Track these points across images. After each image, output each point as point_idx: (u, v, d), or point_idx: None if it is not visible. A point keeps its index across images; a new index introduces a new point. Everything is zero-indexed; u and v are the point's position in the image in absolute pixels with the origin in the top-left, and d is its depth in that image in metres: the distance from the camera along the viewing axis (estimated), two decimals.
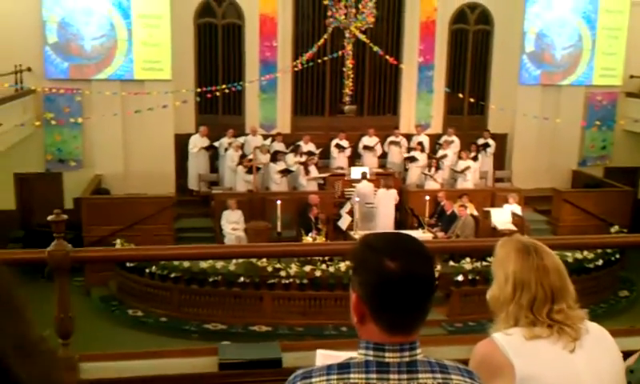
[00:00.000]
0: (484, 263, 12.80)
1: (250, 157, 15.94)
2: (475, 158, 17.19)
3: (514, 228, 14.69)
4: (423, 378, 1.70)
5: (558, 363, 2.21)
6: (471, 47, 18.80)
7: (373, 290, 1.69)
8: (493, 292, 2.34)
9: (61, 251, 3.08)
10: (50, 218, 3.21)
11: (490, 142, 17.92)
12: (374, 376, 1.68)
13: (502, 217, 15.04)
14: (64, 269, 3.10)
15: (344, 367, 1.72)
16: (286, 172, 16.13)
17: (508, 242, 2.39)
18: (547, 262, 2.27)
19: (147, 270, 12.76)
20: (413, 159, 17.15)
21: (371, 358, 1.70)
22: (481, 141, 17.88)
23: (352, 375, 1.69)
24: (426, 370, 1.71)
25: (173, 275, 12.54)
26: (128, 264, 12.66)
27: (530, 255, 2.27)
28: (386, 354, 1.69)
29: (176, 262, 12.27)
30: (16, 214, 16.12)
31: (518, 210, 15.39)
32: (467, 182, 16.71)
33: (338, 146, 17.37)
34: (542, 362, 2.21)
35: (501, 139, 18.50)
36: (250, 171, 15.78)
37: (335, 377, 1.70)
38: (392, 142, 17.70)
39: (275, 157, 16.28)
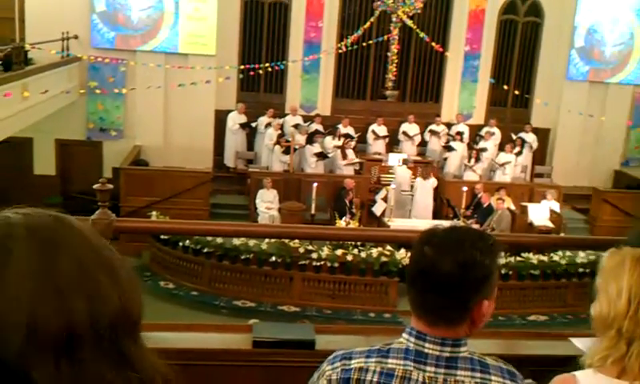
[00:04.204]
0: (518, 258, 12.67)
1: (289, 138, 15.94)
2: (520, 153, 16.96)
3: (551, 225, 14.48)
4: (461, 375, 1.70)
5: None
6: (519, 39, 18.47)
7: (409, 277, 1.74)
8: (600, 308, 1.98)
9: (105, 220, 3.08)
10: (95, 186, 3.22)
11: (531, 136, 17.64)
12: (412, 365, 1.70)
13: (539, 213, 14.81)
14: (107, 238, 3.09)
15: (383, 352, 1.75)
16: (321, 156, 16.08)
17: (619, 254, 2.04)
18: None
19: (181, 244, 12.86)
20: (450, 149, 16.97)
21: (412, 346, 1.72)
22: (523, 135, 17.60)
23: (390, 360, 1.73)
24: (466, 367, 1.71)
25: (205, 250, 12.61)
26: (162, 236, 12.77)
27: None
28: (426, 345, 1.70)
29: (209, 237, 12.33)
30: (56, 179, 16.38)
31: (556, 206, 15.13)
32: (505, 176, 16.50)
33: (373, 132, 17.27)
34: None
35: (543, 134, 18.22)
36: (286, 151, 15.77)
37: (374, 360, 1.74)
38: (431, 131, 17.52)
39: (311, 139, 16.23)
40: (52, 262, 0.82)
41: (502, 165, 16.51)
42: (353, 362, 1.76)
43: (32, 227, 0.85)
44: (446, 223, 1.93)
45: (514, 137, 17.33)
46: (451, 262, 1.66)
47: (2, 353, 0.78)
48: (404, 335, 1.75)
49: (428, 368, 1.69)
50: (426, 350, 1.70)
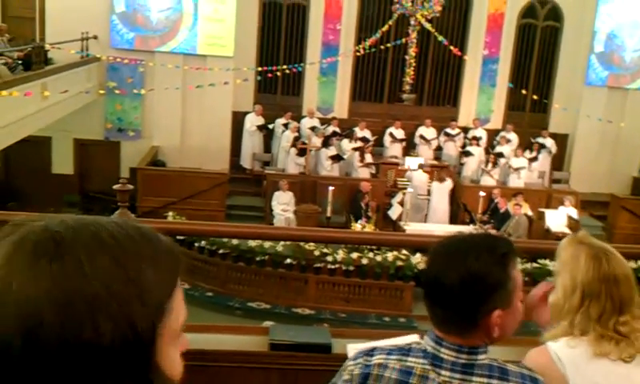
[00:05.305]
0: (534, 265, 12.54)
1: (305, 140, 15.94)
2: (535, 159, 16.83)
3: (568, 231, 14.35)
4: (477, 381, 1.71)
5: None
6: (538, 43, 18.37)
7: (423, 285, 1.78)
8: (556, 298, 2.12)
9: None
10: (116, 186, 3.23)
11: (549, 141, 17.53)
12: (429, 367, 1.73)
13: (556, 219, 14.70)
14: None
15: (405, 351, 1.79)
16: (336, 158, 16.06)
17: (576, 244, 2.15)
18: (618, 271, 2.08)
19: (196, 244, 12.87)
20: (468, 153, 16.90)
21: (430, 349, 1.75)
22: (540, 140, 17.49)
23: (410, 358, 1.76)
24: (483, 373, 1.71)
25: (221, 251, 12.62)
26: (178, 237, 12.77)
27: (602, 264, 2.07)
28: (443, 350, 1.73)
29: (225, 239, 12.34)
30: (74, 178, 16.51)
31: (573, 213, 15.00)
32: (520, 181, 16.39)
33: (391, 135, 17.23)
34: None
35: (562, 139, 18.08)
36: (301, 154, 15.77)
37: (394, 357, 1.78)
38: (447, 134, 17.45)
39: (327, 142, 16.21)
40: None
41: (517, 169, 16.42)
42: (374, 358, 1.80)
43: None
44: (465, 229, 1.93)
45: (533, 141, 17.23)
46: (453, 276, 1.68)
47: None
48: (425, 337, 1.79)
49: (443, 372, 1.71)
50: (442, 355, 1.72)
